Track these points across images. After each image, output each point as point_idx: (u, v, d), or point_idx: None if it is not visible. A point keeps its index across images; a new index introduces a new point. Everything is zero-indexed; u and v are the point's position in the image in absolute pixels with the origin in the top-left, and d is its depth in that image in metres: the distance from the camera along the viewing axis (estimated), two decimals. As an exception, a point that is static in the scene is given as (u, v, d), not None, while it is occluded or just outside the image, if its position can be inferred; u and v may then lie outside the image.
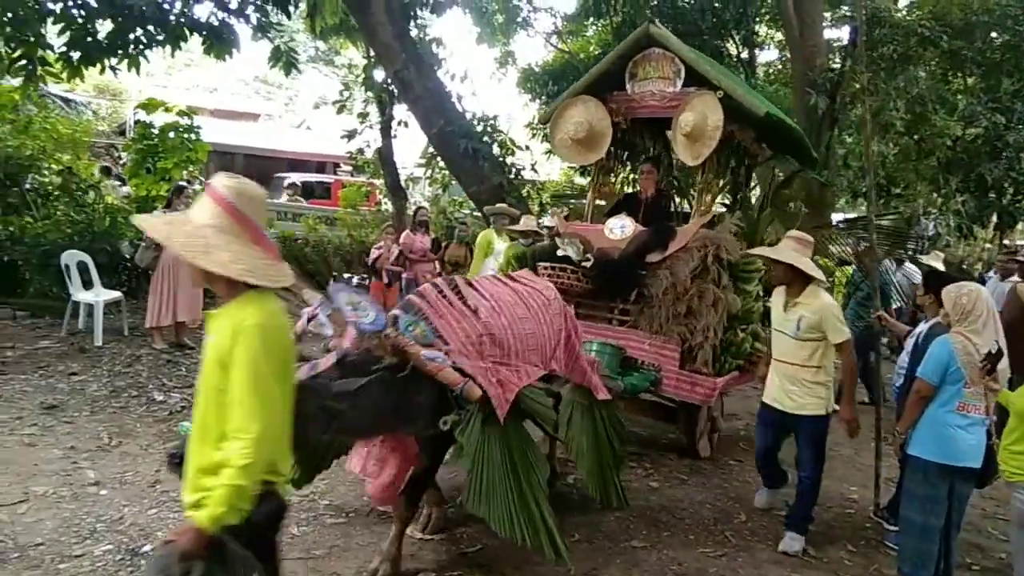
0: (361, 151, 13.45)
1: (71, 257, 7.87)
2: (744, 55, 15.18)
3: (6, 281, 8.77)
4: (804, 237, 4.58)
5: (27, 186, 9.81)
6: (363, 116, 13.00)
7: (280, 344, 2.11)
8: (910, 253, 9.45)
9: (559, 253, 5.78)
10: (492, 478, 3.44)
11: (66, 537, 3.84)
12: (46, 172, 10.30)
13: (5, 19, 7.93)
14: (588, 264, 5.66)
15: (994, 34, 12.11)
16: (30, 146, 9.92)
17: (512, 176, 10.62)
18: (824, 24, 12.77)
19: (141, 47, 8.86)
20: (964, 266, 11.42)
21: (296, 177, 17.02)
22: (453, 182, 12.66)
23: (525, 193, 11.23)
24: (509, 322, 3.86)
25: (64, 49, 8.52)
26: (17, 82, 8.83)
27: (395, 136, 12.68)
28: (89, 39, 8.56)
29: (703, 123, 5.65)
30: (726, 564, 4.21)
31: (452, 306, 3.67)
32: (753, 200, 8.46)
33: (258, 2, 9.75)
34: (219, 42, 9.30)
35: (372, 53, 11.75)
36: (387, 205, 14.41)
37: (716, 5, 13.64)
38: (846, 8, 13.53)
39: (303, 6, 11.40)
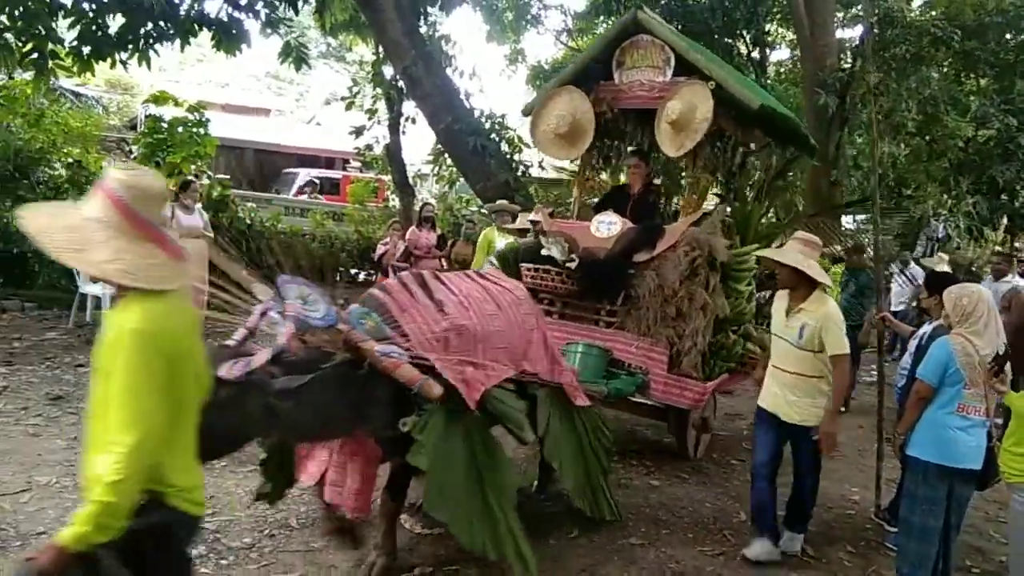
0: (370, 147, 13.48)
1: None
2: (755, 54, 15.12)
3: (15, 273, 8.86)
4: (811, 239, 4.28)
5: (37, 179, 9.90)
6: (372, 112, 13.01)
7: (168, 350, 1.89)
8: (916, 255, 9.42)
9: (543, 253, 5.62)
10: (453, 481, 3.27)
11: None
12: (56, 165, 10.40)
13: (16, 13, 8.00)
14: (573, 265, 5.49)
15: (1008, 35, 12.02)
16: (41, 139, 10.01)
17: (519, 173, 10.61)
18: (836, 24, 12.70)
19: (151, 42, 8.92)
20: (973, 268, 11.36)
21: (312, 173, 17.13)
22: (460, 179, 12.69)
23: (532, 191, 11.22)
24: (478, 318, 3.67)
25: (75, 43, 8.58)
26: (29, 76, 8.91)
27: (403, 132, 12.69)
28: (99, 33, 8.63)
29: (690, 113, 5.39)
30: (724, 563, 4.20)
31: (416, 300, 3.49)
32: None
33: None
34: (228, 38, 9.35)
35: (381, 49, 11.77)
36: (395, 201, 14.45)
37: (726, 4, 13.58)
38: (857, 8, 13.45)
39: (312, 2, 11.44)
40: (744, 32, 14.43)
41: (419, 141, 13.87)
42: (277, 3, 9.96)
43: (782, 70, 17.13)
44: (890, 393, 5.30)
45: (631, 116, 6.38)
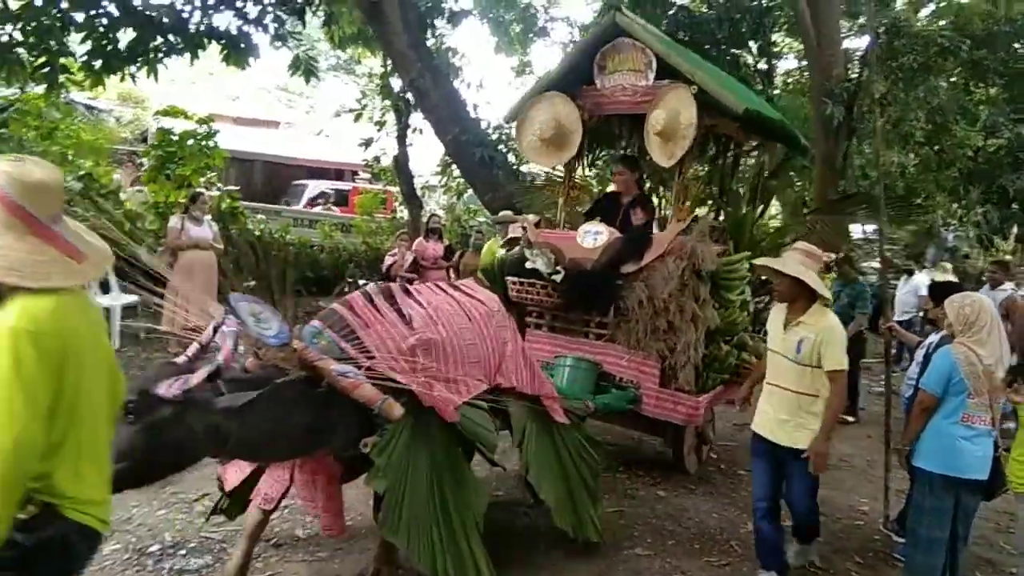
0: (378, 159, 13.57)
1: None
2: (762, 65, 15.13)
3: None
4: (813, 250, 4.06)
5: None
6: (380, 124, 13.11)
7: (56, 350, 1.76)
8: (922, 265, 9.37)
9: (527, 265, 5.45)
10: (415, 506, 3.11)
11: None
12: (68, 178, 10.49)
13: (29, 28, 8.11)
14: (559, 278, 5.33)
15: (1017, 45, 11.97)
16: (53, 152, 10.11)
17: (527, 184, 10.62)
18: (843, 34, 12.70)
19: (160, 55, 9.02)
20: (983, 278, 11.29)
21: (323, 185, 17.27)
22: (469, 190, 12.73)
23: (527, 200, 11.20)
24: (448, 332, 3.55)
25: (86, 57, 8.69)
26: (41, 89, 9.02)
27: (411, 144, 12.78)
28: (110, 47, 8.73)
29: (675, 121, 5.18)
30: (730, 574, 4.19)
31: (382, 315, 3.35)
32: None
33: (275, 12, 9.88)
34: (237, 51, 9.43)
35: (389, 62, 11.86)
36: (403, 213, 14.52)
37: (733, 15, 13.60)
38: (864, 18, 13.45)
39: (321, 15, 11.54)
40: (751, 43, 14.44)
41: (428, 153, 13.97)
42: (285, 17, 10.06)
43: (789, 80, 17.12)
44: (897, 403, 5.27)
45: (619, 120, 6.21)
